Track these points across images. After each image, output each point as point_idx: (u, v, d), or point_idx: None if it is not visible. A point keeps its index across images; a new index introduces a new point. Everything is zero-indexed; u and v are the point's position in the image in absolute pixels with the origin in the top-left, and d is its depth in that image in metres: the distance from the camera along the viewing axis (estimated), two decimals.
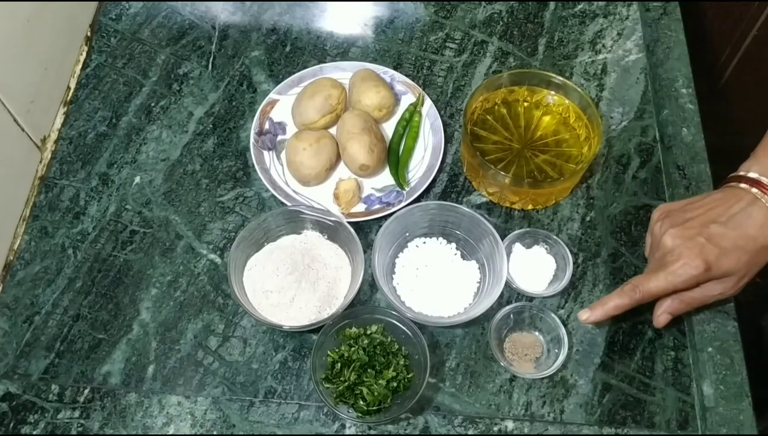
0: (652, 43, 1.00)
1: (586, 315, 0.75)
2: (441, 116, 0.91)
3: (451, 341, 0.80)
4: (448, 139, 0.91)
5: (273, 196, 0.86)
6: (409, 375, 0.74)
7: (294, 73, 0.94)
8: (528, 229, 0.84)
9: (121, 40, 1.00)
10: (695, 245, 0.71)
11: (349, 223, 0.80)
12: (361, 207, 0.86)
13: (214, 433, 0.75)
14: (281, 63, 0.98)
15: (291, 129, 0.91)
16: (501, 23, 1.02)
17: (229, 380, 0.77)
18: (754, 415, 0.75)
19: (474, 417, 0.76)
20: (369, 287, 0.82)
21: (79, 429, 0.75)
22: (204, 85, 0.96)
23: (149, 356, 0.78)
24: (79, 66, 0.98)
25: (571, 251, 0.82)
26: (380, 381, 0.73)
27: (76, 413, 0.75)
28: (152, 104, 0.95)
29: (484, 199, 0.88)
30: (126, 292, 0.82)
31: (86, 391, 0.77)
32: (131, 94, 0.95)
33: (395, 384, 0.73)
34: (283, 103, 0.93)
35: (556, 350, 0.77)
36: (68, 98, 0.95)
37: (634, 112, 0.95)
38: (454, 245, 0.84)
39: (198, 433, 0.75)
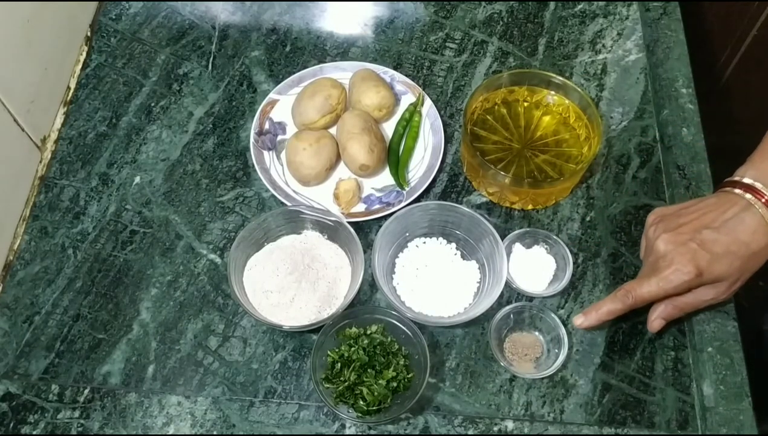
0: (652, 43, 1.00)
1: (580, 320, 0.76)
2: (441, 116, 0.91)
3: (451, 341, 0.80)
4: (448, 139, 0.91)
5: (273, 196, 0.86)
6: (409, 375, 0.74)
7: (294, 73, 0.94)
8: (528, 229, 0.84)
9: (121, 40, 1.00)
10: (687, 251, 0.71)
11: (349, 223, 0.80)
12: (361, 207, 0.86)
13: (214, 433, 0.75)
14: (281, 63, 0.98)
15: (291, 129, 0.91)
16: (501, 23, 1.02)
17: (229, 380, 0.77)
18: (756, 418, 0.75)
19: (474, 417, 0.76)
20: (369, 287, 0.82)
21: (79, 429, 0.75)
22: (204, 85, 0.96)
23: (149, 356, 0.78)
24: (79, 66, 0.98)
25: (571, 251, 0.82)
26: (380, 381, 0.73)
27: (76, 413, 0.75)
28: (152, 104, 0.95)
29: (484, 199, 0.88)
30: (126, 292, 0.82)
31: (86, 391, 0.77)
32: (131, 94, 0.95)
33: (395, 384, 0.73)
34: (283, 103, 0.93)
35: (556, 350, 0.77)
36: (68, 98, 0.95)
37: (634, 112, 0.95)
38: (454, 245, 0.84)
39: (198, 433, 0.75)
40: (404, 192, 0.87)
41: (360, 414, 0.72)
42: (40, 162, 0.90)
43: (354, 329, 0.76)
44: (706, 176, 0.89)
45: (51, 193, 0.88)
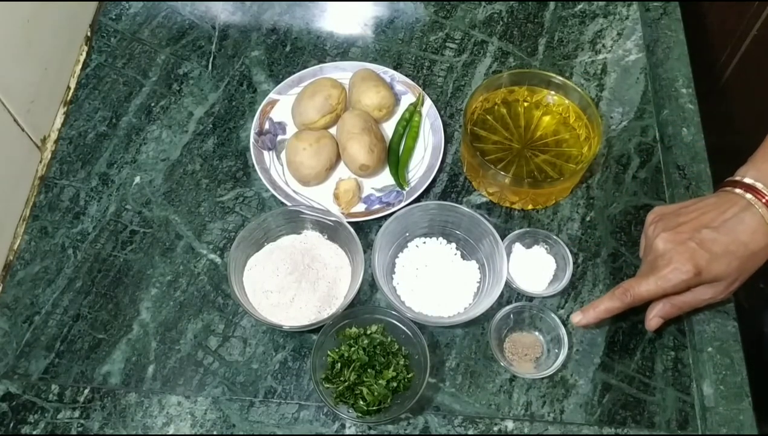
0: (652, 43, 1.00)
1: (578, 318, 0.76)
2: (441, 116, 0.91)
3: (451, 341, 0.80)
4: (448, 139, 0.91)
5: (273, 196, 0.86)
6: (409, 375, 0.74)
7: (294, 73, 0.94)
8: (528, 229, 0.84)
9: (121, 40, 1.00)
10: (686, 250, 0.71)
11: (349, 223, 0.80)
12: (361, 207, 0.86)
13: (214, 433, 0.75)
14: (281, 63, 0.98)
15: (291, 129, 0.91)
16: (501, 23, 1.02)
17: (229, 380, 0.77)
18: (756, 418, 0.75)
19: (474, 417, 0.76)
20: (369, 287, 0.82)
21: (79, 429, 0.75)
22: (204, 85, 0.96)
23: (149, 356, 0.78)
24: (79, 66, 0.98)
25: (571, 251, 0.82)
26: (380, 381, 0.73)
27: (76, 413, 0.75)
28: (152, 104, 0.95)
29: (484, 199, 0.88)
30: (126, 292, 0.82)
31: (86, 391, 0.77)
32: (131, 94, 0.95)
33: (395, 384, 0.73)
34: (283, 103, 0.93)
35: (556, 350, 0.77)
36: (68, 98, 0.95)
37: (634, 112, 0.95)
38: (454, 245, 0.84)
39: (198, 433, 0.75)
40: (404, 192, 0.87)
41: (360, 414, 0.72)
42: (40, 162, 0.90)
43: (354, 329, 0.76)
44: (706, 176, 0.89)
45: (51, 193, 0.88)
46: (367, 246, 0.82)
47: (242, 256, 0.81)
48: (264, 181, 0.86)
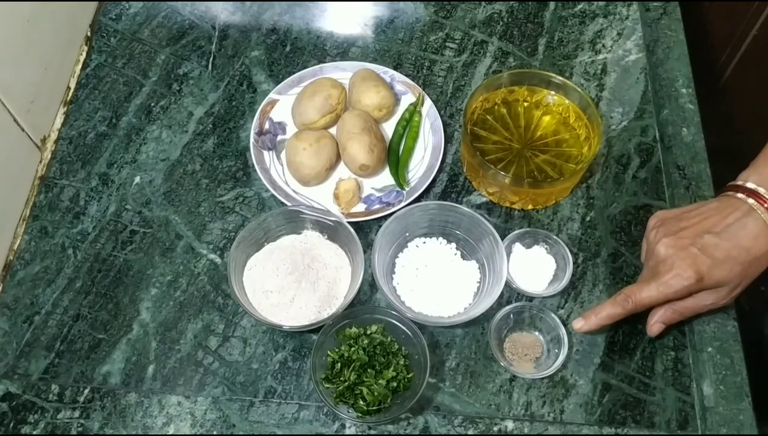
0: (652, 43, 1.00)
1: (580, 324, 0.76)
2: (441, 116, 0.91)
3: (451, 341, 0.80)
4: (448, 139, 0.91)
5: (273, 196, 0.86)
6: (409, 375, 0.74)
7: (294, 73, 0.94)
8: (528, 229, 0.84)
9: (121, 40, 1.00)
10: (688, 256, 0.71)
11: (349, 223, 0.80)
12: (361, 207, 0.86)
13: (214, 433, 0.75)
14: (281, 63, 0.98)
15: (291, 129, 0.91)
16: (501, 23, 1.02)
17: (229, 380, 0.77)
18: (756, 418, 0.75)
19: (474, 417, 0.76)
20: (369, 287, 0.82)
21: (79, 429, 0.75)
22: (204, 85, 0.96)
23: (149, 356, 0.78)
24: (79, 66, 0.98)
25: (571, 251, 0.82)
26: (380, 381, 0.73)
27: (76, 413, 0.75)
28: (152, 104, 0.95)
29: (484, 199, 0.88)
30: (126, 292, 0.82)
31: (86, 391, 0.77)
32: (131, 94, 0.95)
33: (395, 384, 0.73)
34: (283, 103, 0.93)
35: (556, 350, 0.77)
36: (68, 98, 0.95)
37: (634, 112, 0.95)
38: (454, 245, 0.84)
39: (198, 433, 0.75)
40: (404, 192, 0.87)
41: (360, 414, 0.72)
42: (40, 162, 0.90)
43: (354, 329, 0.76)
44: (706, 176, 0.89)
45: (51, 193, 0.88)
46: (367, 246, 0.82)
47: (242, 256, 0.81)
48: (264, 181, 0.86)
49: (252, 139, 0.89)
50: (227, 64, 0.98)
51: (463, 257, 0.83)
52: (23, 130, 0.86)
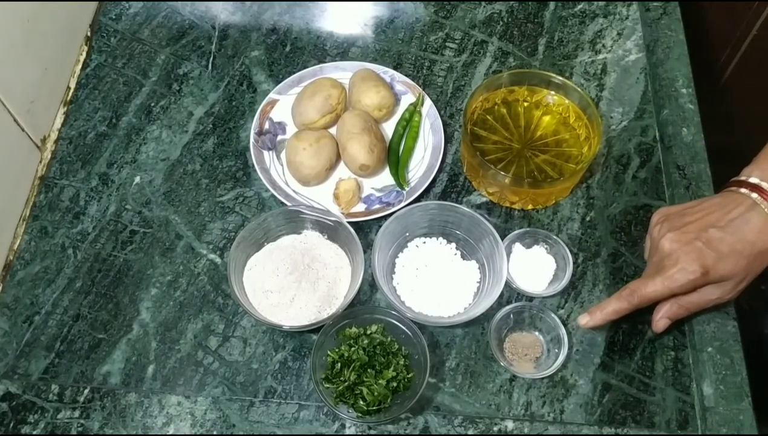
0: (652, 43, 1.00)
1: (585, 320, 0.76)
2: (441, 116, 0.91)
3: (451, 341, 0.80)
4: (448, 139, 0.91)
5: (273, 196, 0.86)
6: (409, 375, 0.74)
7: (294, 73, 0.94)
8: (528, 229, 0.84)
9: (121, 40, 1.00)
10: (693, 250, 0.71)
11: (349, 223, 0.80)
12: (361, 207, 0.86)
13: (214, 433, 0.75)
14: (281, 63, 0.98)
15: (291, 129, 0.91)
16: (501, 23, 1.02)
17: (229, 380, 0.77)
18: (756, 418, 0.75)
19: (474, 417, 0.76)
20: (369, 287, 0.82)
21: (79, 429, 0.75)
22: (204, 85, 0.96)
23: (149, 356, 0.78)
24: (79, 66, 0.98)
25: (571, 251, 0.82)
26: (380, 381, 0.73)
27: (76, 413, 0.75)
28: (152, 104, 0.95)
29: (484, 199, 0.88)
30: (126, 292, 0.82)
31: (86, 391, 0.77)
32: (131, 94, 0.95)
33: (395, 384, 0.73)
34: (283, 103, 0.93)
35: (556, 350, 0.77)
36: (68, 98, 0.95)
37: (634, 112, 0.95)
38: (454, 245, 0.84)
39: (198, 433, 0.75)
40: (404, 192, 0.87)
41: (360, 414, 0.72)
42: (40, 162, 0.90)
43: (354, 329, 0.76)
44: (706, 176, 0.89)
45: (51, 193, 0.88)
46: (367, 246, 0.82)
47: (242, 256, 0.81)
48: (264, 181, 0.86)
49: (252, 139, 0.89)
50: (227, 64, 0.98)
51: (463, 257, 0.83)
52: (23, 130, 0.86)
